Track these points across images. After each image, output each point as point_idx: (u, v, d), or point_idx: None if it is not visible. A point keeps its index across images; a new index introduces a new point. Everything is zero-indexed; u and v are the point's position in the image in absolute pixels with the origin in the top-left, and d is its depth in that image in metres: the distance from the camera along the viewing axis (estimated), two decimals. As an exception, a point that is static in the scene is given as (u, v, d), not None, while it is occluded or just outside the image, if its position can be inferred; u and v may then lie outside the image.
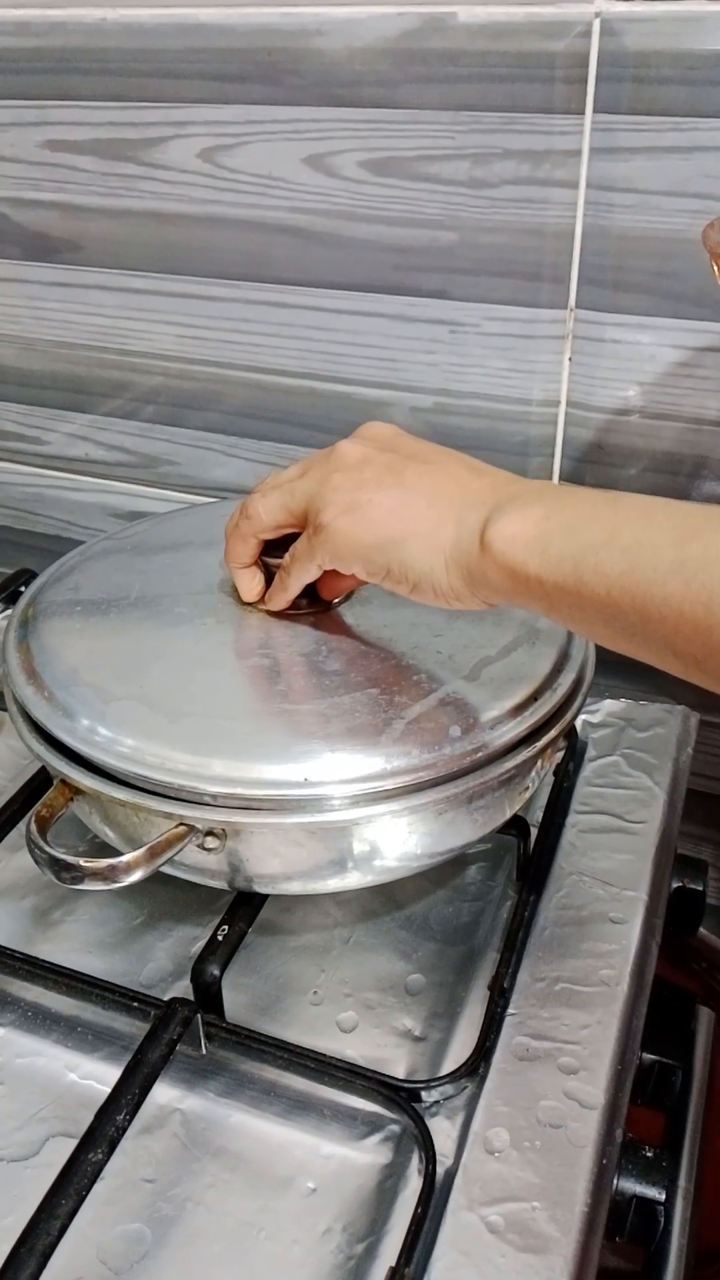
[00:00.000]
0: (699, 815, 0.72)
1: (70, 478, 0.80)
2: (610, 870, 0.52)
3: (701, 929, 0.71)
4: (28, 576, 0.65)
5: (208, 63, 0.61)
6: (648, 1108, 0.49)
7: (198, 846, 0.42)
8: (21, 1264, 0.34)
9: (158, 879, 0.45)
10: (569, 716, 0.47)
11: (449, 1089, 0.42)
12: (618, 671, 0.70)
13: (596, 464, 0.64)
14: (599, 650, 0.52)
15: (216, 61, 0.61)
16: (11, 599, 0.64)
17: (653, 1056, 0.48)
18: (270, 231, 0.64)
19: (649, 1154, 0.43)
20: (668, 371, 0.59)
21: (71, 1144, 0.37)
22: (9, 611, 0.56)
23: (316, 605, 0.50)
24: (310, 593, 0.49)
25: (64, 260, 0.71)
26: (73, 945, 0.50)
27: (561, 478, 0.65)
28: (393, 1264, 0.36)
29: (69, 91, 0.65)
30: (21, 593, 0.55)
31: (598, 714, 0.62)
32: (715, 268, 0.46)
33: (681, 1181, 0.44)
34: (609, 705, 0.62)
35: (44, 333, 0.74)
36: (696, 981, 0.71)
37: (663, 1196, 0.43)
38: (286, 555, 0.47)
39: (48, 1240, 0.35)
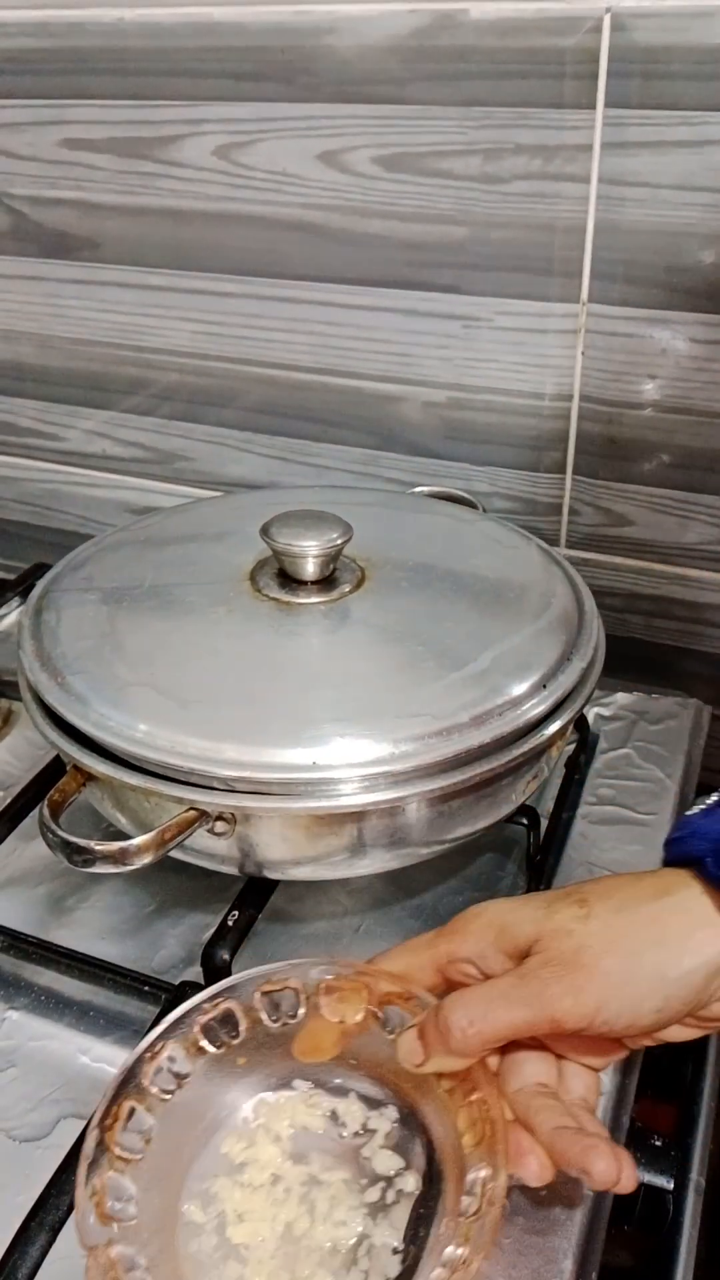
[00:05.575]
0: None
1: (87, 474, 0.81)
2: (620, 861, 0.52)
3: None
4: (44, 571, 0.65)
5: (223, 61, 0.62)
6: (659, 1099, 0.49)
7: (208, 831, 0.43)
8: (32, 1237, 0.34)
9: (170, 866, 0.45)
10: (578, 704, 0.47)
11: (456, 1074, 0.43)
12: (630, 665, 0.70)
13: (610, 458, 0.64)
14: (611, 643, 0.52)
15: (231, 60, 0.61)
16: (28, 593, 0.64)
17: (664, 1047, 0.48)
18: (284, 228, 0.65)
19: (657, 1143, 0.44)
20: (680, 365, 0.60)
21: (82, 1125, 0.38)
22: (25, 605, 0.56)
23: (325, 596, 0.50)
24: (321, 587, 0.50)
25: (82, 258, 0.72)
26: (86, 931, 0.51)
27: (575, 472, 0.65)
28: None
29: (86, 91, 0.66)
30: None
31: (610, 707, 0.62)
32: None
33: (693, 1173, 0.44)
34: (621, 698, 0.62)
35: (62, 330, 0.75)
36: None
37: (671, 1185, 0.43)
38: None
39: (57, 1215, 0.35)
